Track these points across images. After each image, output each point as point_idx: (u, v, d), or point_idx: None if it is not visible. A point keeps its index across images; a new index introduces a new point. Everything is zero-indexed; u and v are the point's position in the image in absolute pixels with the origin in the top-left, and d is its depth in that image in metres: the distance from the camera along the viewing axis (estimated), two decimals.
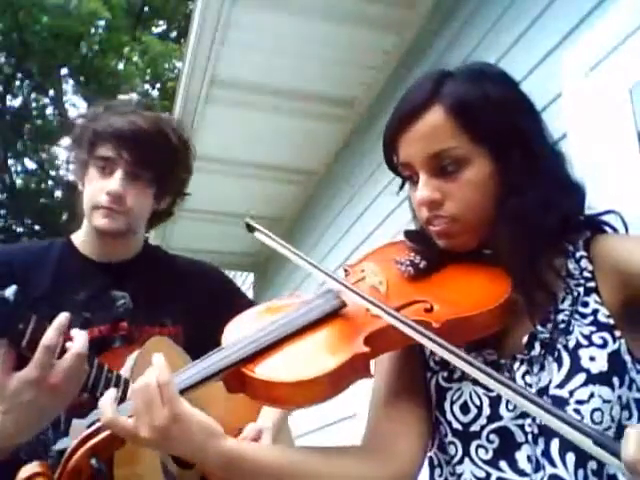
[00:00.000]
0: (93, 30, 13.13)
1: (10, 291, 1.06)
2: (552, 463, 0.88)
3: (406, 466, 0.99)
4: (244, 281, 6.82)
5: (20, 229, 15.74)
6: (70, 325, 1.13)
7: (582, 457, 0.87)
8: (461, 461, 0.96)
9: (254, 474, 0.94)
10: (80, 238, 1.54)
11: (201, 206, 5.05)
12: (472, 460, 0.95)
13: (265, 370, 0.90)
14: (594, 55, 2.01)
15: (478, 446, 0.95)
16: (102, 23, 13.06)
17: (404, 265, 1.03)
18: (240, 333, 0.95)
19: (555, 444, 0.89)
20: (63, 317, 1.10)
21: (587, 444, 0.72)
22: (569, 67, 2.10)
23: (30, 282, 1.41)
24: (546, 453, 0.89)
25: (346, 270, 1.12)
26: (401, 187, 1.10)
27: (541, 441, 0.91)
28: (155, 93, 15.11)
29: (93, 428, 0.89)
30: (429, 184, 0.98)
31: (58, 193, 15.81)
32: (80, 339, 1.11)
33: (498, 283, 0.97)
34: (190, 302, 1.53)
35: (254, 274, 6.26)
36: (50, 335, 1.08)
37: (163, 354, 1.39)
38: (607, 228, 1.03)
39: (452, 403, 0.99)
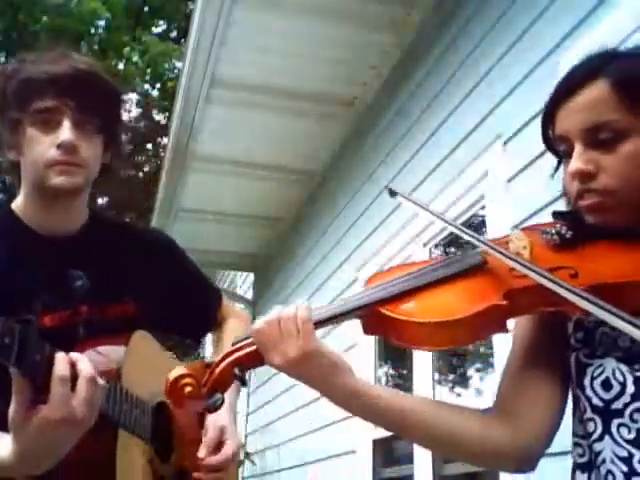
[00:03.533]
0: (93, 30, 13.13)
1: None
2: None
3: (531, 437, 0.99)
4: (244, 281, 6.82)
5: None
6: (28, 312, 1.08)
7: None
8: (601, 438, 0.93)
9: (376, 410, 0.97)
10: (23, 208, 1.36)
11: (201, 206, 5.06)
12: (613, 438, 0.92)
13: (403, 310, 0.95)
14: None
15: (620, 424, 0.92)
16: (102, 23, 13.06)
17: (550, 234, 1.02)
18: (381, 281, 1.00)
19: None
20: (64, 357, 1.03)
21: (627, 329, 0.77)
22: (569, 67, 2.10)
23: None
24: None
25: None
26: (556, 169, 1.07)
27: None
28: (155, 93, 15.11)
29: (239, 344, 0.97)
30: (584, 155, 0.96)
31: None
32: (84, 362, 1.04)
33: None
34: (147, 274, 1.44)
35: (254, 274, 6.27)
36: (62, 366, 1.01)
37: (147, 349, 1.37)
38: None
39: (592, 379, 0.96)
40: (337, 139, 4.14)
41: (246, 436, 5.85)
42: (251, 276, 6.39)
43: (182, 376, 0.94)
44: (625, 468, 0.90)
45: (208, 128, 4.03)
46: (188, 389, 0.93)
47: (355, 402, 0.97)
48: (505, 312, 0.94)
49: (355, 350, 3.50)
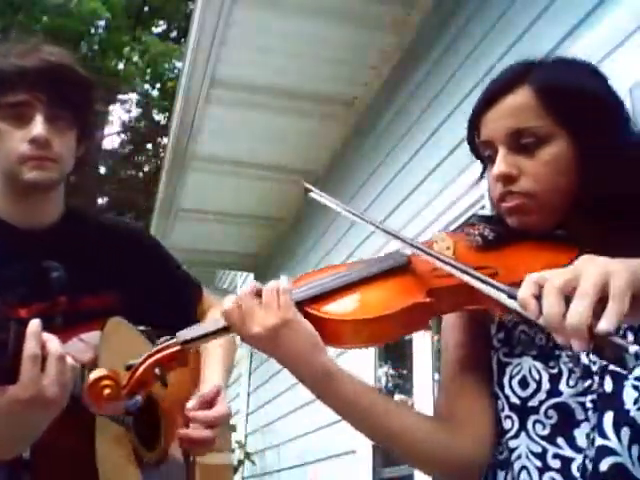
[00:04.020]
0: (93, 30, 13.12)
1: None
2: (604, 436, 0.86)
3: (474, 444, 1.00)
4: (244, 281, 6.82)
5: None
6: (3, 305, 1.07)
7: (638, 433, 0.85)
8: (517, 435, 0.96)
9: (345, 396, 0.96)
10: None
11: (201, 206, 5.06)
12: (529, 435, 0.94)
13: (328, 309, 0.96)
14: (594, 55, 2.01)
15: (536, 421, 0.94)
16: (102, 23, 13.05)
17: (473, 236, 1.04)
18: (307, 281, 1.01)
19: (609, 417, 0.87)
20: (35, 325, 1.01)
21: (501, 297, 0.79)
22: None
23: None
24: (598, 426, 0.87)
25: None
26: (481, 175, 1.10)
27: (593, 416, 0.89)
28: (155, 93, 15.11)
29: (161, 345, 0.97)
30: (507, 159, 0.99)
31: None
32: (54, 341, 1.03)
33: (562, 255, 0.96)
34: (118, 265, 1.42)
35: (254, 274, 6.27)
36: (32, 344, 0.99)
37: (123, 335, 1.36)
38: None
39: (511, 378, 0.98)
40: (337, 139, 4.14)
41: (246, 436, 5.85)
42: (251, 276, 6.39)
43: (102, 377, 0.93)
44: (539, 463, 0.92)
45: (208, 128, 4.03)
46: (107, 391, 0.93)
47: (328, 384, 0.95)
48: (428, 309, 0.95)
49: (355, 350, 3.51)
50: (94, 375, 0.93)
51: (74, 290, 1.33)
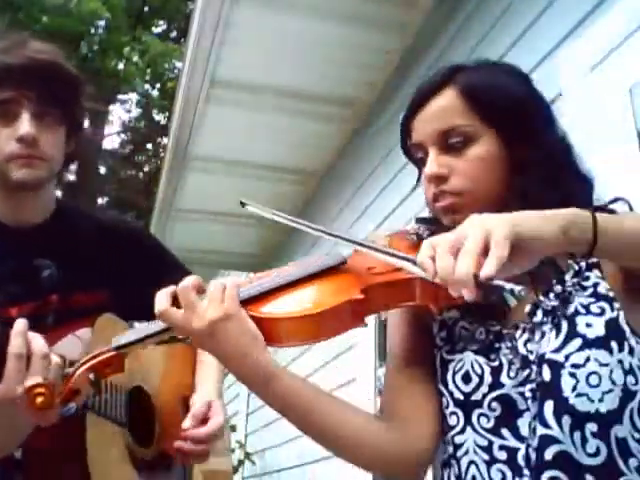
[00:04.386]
0: (93, 30, 13.11)
1: None
2: (545, 425, 0.89)
3: (418, 441, 1.01)
4: None
5: None
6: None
7: (579, 419, 0.88)
8: (463, 431, 0.97)
9: (285, 395, 0.95)
10: None
11: (201, 206, 5.06)
12: (474, 429, 0.96)
13: (265, 309, 0.96)
14: (594, 55, 2.01)
15: (480, 415, 0.96)
16: (102, 23, 13.04)
17: (409, 234, 1.08)
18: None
19: (549, 406, 0.89)
20: (21, 323, 1.01)
21: (408, 266, 0.87)
22: (569, 67, 2.10)
23: None
24: (539, 415, 0.90)
25: None
26: (418, 179, 1.12)
27: (533, 405, 0.92)
28: (155, 93, 15.10)
29: (97, 352, 0.96)
30: (437, 160, 1.02)
31: None
32: (37, 339, 1.02)
33: None
34: (116, 264, 1.41)
35: (254, 274, 6.26)
36: (18, 342, 0.98)
37: (113, 331, 1.39)
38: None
39: (454, 374, 1.00)
40: (337, 139, 4.14)
41: (246, 436, 5.85)
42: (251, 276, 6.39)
43: (35, 386, 0.92)
44: (486, 457, 0.94)
45: (208, 128, 4.03)
46: (40, 399, 0.92)
47: (272, 384, 0.94)
48: (363, 306, 0.96)
49: (355, 350, 3.50)
50: (28, 383, 0.92)
51: (66, 287, 1.31)
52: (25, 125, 1.24)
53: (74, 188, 12.63)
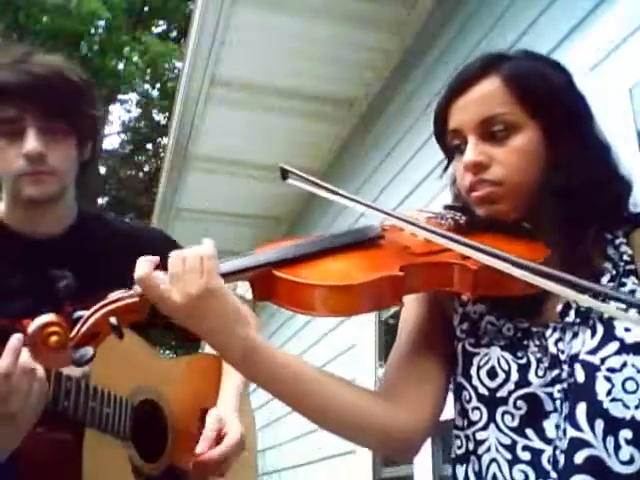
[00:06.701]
0: (93, 30, 13.11)
1: None
2: (577, 427, 0.86)
3: (416, 421, 0.99)
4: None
5: None
6: (7, 316, 1.04)
7: (613, 425, 0.85)
8: (485, 427, 0.95)
9: (270, 371, 0.91)
10: (6, 213, 1.34)
11: (201, 206, 5.06)
12: (498, 427, 0.93)
13: (298, 273, 0.91)
14: (594, 55, 2.01)
15: (504, 412, 0.93)
16: (102, 23, 13.04)
17: (445, 219, 1.04)
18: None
19: (582, 408, 0.86)
20: (16, 339, 0.98)
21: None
22: (569, 67, 2.10)
23: None
24: (570, 417, 0.87)
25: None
26: (446, 168, 1.08)
27: (565, 406, 0.89)
28: (155, 93, 15.11)
29: (117, 295, 0.88)
30: (477, 148, 0.98)
31: None
32: (23, 355, 0.98)
33: (535, 252, 0.95)
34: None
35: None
36: (7, 361, 0.95)
37: (121, 343, 1.37)
38: None
39: (479, 368, 0.97)
40: (337, 139, 4.15)
41: None
42: None
43: (50, 324, 0.82)
44: (509, 456, 0.92)
45: (208, 128, 4.03)
46: (54, 338, 0.81)
47: (253, 359, 0.90)
48: (400, 284, 0.92)
49: (355, 350, 3.50)
50: (41, 320, 0.82)
51: (82, 298, 1.30)
52: (31, 141, 1.23)
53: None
